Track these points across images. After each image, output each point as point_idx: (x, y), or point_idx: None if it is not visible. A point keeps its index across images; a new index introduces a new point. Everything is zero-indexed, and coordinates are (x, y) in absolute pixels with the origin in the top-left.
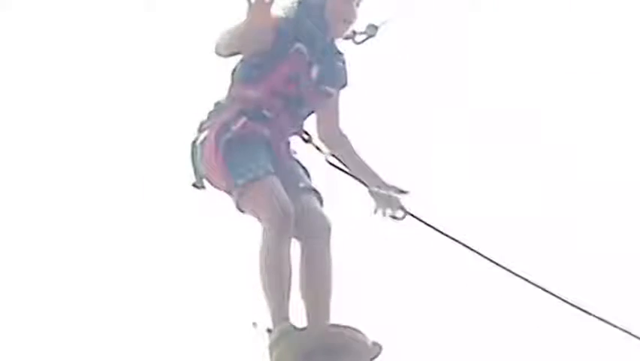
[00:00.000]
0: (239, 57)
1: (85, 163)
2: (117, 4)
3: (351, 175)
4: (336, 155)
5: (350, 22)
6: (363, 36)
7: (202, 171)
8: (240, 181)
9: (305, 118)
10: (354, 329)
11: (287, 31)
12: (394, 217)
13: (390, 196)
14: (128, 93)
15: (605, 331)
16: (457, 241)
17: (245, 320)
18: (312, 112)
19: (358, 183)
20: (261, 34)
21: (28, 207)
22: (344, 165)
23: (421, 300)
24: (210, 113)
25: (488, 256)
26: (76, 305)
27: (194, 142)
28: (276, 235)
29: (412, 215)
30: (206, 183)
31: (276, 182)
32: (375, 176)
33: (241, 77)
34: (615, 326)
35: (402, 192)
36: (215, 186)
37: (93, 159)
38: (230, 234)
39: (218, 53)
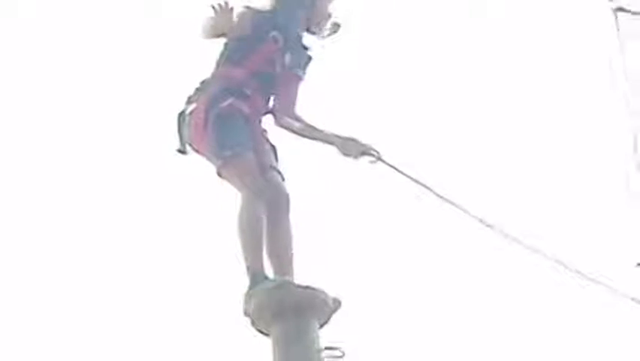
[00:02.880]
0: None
1: (86, 161)
2: (118, 8)
3: (319, 140)
4: (296, 132)
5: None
6: (327, 32)
7: (187, 138)
8: (227, 153)
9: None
10: (317, 288)
11: (263, 22)
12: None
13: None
14: (127, 92)
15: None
16: (426, 187)
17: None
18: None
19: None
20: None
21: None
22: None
23: (385, 256)
24: (197, 89)
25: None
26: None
27: (182, 112)
28: (256, 202)
29: (383, 160)
30: (188, 148)
31: (254, 158)
32: (336, 135)
33: (226, 59)
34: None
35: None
36: (198, 152)
37: (93, 157)
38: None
39: (204, 36)
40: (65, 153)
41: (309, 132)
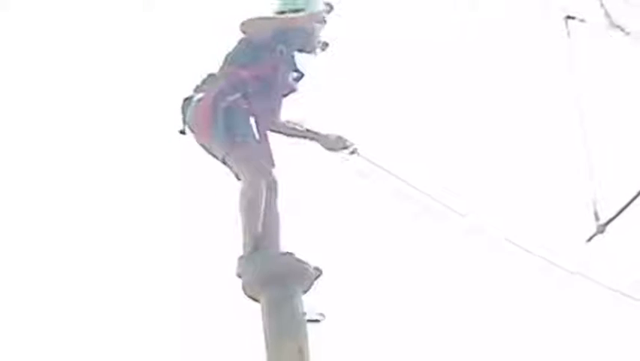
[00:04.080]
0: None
1: (83, 159)
2: (116, 3)
3: (305, 137)
4: (282, 132)
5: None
6: (318, 50)
7: (189, 122)
8: (239, 139)
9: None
10: (300, 260)
11: (276, 37)
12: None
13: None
14: (126, 90)
15: None
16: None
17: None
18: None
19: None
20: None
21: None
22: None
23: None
24: (205, 80)
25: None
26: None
27: (188, 98)
28: (260, 184)
29: (359, 153)
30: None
31: (259, 146)
32: (318, 133)
33: (236, 60)
34: None
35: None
36: (196, 135)
37: (91, 155)
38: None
39: (244, 29)
40: (63, 144)
41: (296, 132)
